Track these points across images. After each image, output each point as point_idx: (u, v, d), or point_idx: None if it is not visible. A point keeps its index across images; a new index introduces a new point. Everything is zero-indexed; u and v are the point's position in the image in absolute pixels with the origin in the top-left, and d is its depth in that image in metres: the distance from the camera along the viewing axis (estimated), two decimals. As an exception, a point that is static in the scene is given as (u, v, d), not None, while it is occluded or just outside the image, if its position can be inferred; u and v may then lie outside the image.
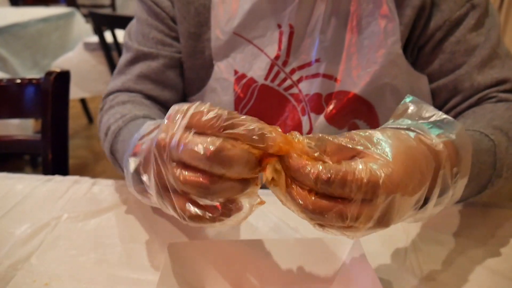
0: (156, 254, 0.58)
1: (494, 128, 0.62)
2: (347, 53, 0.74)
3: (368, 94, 0.75)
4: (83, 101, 3.12)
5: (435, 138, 0.45)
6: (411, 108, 0.48)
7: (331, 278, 0.53)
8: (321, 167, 0.38)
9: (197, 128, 0.40)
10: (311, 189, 0.39)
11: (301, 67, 0.76)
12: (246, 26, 0.75)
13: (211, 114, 0.39)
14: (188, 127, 0.40)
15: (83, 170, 2.46)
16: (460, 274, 0.55)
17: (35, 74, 2.33)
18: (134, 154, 0.50)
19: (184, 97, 0.85)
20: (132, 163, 0.50)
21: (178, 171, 0.40)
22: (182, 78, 0.83)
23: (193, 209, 0.41)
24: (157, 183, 0.43)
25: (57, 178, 0.77)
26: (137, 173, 0.49)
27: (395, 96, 0.76)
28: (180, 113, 0.41)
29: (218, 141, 0.38)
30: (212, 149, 0.38)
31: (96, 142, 2.94)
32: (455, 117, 0.74)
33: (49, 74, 0.92)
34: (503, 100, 0.71)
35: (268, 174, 0.42)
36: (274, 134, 0.39)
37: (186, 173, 0.40)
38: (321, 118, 0.77)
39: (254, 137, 0.39)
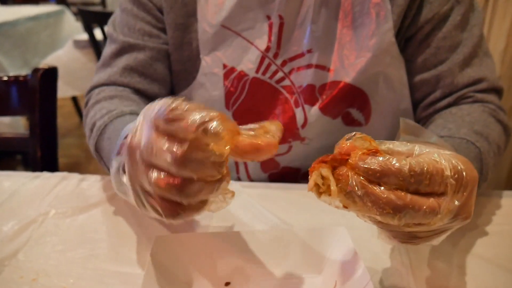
0: (144, 248, 0.58)
1: (476, 134, 0.65)
2: (339, 43, 0.74)
3: (361, 83, 0.75)
4: (74, 100, 3.11)
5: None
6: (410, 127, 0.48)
7: (319, 268, 0.53)
8: (413, 162, 0.37)
9: (166, 131, 0.38)
10: (396, 188, 0.37)
11: (292, 59, 0.76)
12: (234, 18, 0.74)
13: (172, 106, 0.38)
14: (157, 128, 0.39)
15: (75, 169, 2.42)
16: (447, 261, 0.56)
17: (25, 73, 2.31)
18: (118, 153, 0.49)
19: (173, 92, 0.84)
20: (115, 163, 0.49)
21: (150, 174, 0.39)
22: (170, 71, 0.81)
23: (166, 205, 0.40)
24: (131, 184, 0.42)
25: (45, 174, 0.76)
26: (118, 173, 0.48)
27: (387, 84, 0.76)
28: (149, 114, 0.40)
29: (184, 146, 0.37)
30: (179, 153, 0.37)
31: (88, 141, 2.92)
32: (433, 114, 0.76)
33: (36, 71, 0.92)
34: (478, 100, 0.73)
35: (311, 181, 0.40)
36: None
37: (156, 175, 0.39)
38: (315, 108, 0.77)
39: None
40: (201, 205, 0.41)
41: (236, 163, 0.84)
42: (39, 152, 0.93)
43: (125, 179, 0.45)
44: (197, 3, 0.75)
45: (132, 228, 0.62)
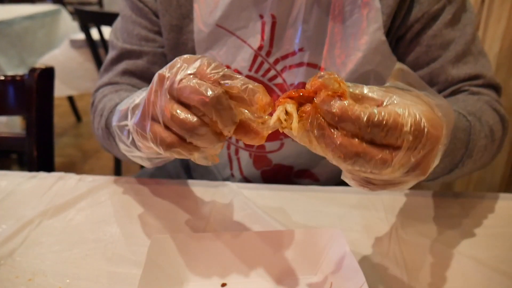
0: (140, 248, 0.58)
1: (469, 113, 0.65)
2: (330, 42, 0.75)
3: (352, 82, 0.75)
4: (71, 100, 3.10)
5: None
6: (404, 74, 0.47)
7: (314, 268, 0.53)
8: (374, 111, 0.37)
9: (200, 76, 0.43)
10: (353, 135, 0.38)
11: (284, 57, 0.77)
12: (228, 17, 0.75)
13: (213, 66, 0.43)
14: (192, 74, 0.43)
15: (71, 169, 2.44)
16: (441, 263, 0.56)
17: (21, 72, 2.30)
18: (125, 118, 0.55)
19: None
20: (125, 129, 0.55)
21: (171, 105, 0.43)
22: None
23: (167, 135, 0.44)
24: (144, 106, 0.46)
25: (42, 174, 0.77)
26: (128, 136, 0.55)
27: (379, 82, 0.77)
28: (187, 61, 0.45)
29: (219, 89, 0.42)
30: (214, 94, 0.41)
31: (84, 141, 2.92)
32: None
33: (32, 70, 0.91)
34: (474, 93, 0.73)
35: (275, 116, 0.41)
36: (261, 94, 0.42)
37: (178, 110, 0.43)
38: None
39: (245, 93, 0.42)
40: (194, 148, 0.45)
41: (230, 160, 0.85)
42: (36, 151, 0.93)
43: (129, 123, 0.52)
44: (194, 3, 0.76)
45: (128, 229, 0.62)
